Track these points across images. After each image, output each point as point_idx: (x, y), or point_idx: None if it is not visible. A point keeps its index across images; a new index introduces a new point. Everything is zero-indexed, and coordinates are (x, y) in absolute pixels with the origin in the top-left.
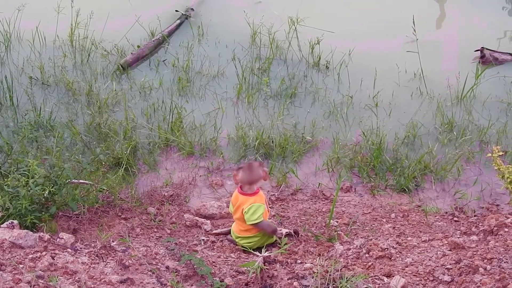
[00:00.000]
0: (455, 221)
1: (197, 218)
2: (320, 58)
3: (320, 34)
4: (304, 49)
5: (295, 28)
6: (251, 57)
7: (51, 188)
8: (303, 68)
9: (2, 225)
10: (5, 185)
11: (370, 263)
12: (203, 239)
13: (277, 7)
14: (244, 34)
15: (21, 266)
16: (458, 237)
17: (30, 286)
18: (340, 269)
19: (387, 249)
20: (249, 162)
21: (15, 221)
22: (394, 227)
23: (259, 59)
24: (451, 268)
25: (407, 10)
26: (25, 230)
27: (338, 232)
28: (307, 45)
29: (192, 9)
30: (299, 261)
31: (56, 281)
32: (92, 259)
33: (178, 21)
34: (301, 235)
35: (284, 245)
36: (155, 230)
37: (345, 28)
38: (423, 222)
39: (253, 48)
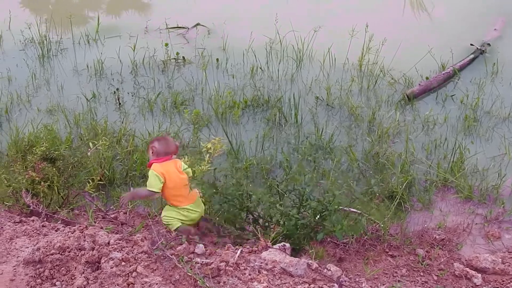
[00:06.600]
0: None
1: (467, 269)
2: None
3: None
4: None
5: None
6: None
7: (322, 213)
8: None
9: (274, 246)
10: (280, 204)
11: None
12: None
13: None
14: None
15: None
16: None
17: None
18: None
19: None
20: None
21: (287, 244)
22: None
23: None
24: None
25: None
26: (297, 258)
27: None
28: None
29: (488, 44)
30: None
31: None
32: None
33: (472, 56)
34: None
35: None
36: (421, 273)
37: None
38: None
39: None
